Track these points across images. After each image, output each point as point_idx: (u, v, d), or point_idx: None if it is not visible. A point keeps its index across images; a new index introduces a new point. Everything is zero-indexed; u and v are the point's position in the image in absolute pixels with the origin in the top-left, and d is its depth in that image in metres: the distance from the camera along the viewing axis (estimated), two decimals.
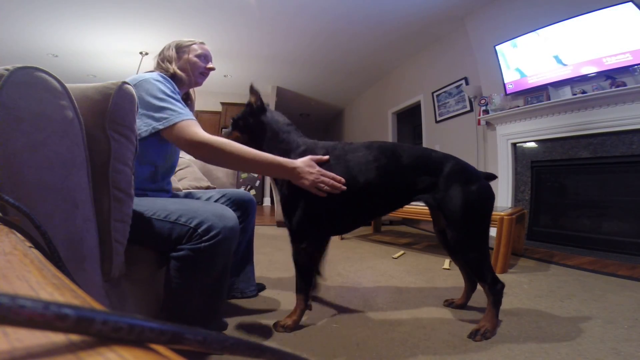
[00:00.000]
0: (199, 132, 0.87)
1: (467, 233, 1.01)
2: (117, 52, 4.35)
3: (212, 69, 1.14)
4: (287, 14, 3.40)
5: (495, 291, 1.01)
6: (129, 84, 0.68)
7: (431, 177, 1.03)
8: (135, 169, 0.88)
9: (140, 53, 4.33)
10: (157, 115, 0.88)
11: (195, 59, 1.09)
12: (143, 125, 0.88)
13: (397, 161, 1.04)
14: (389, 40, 3.97)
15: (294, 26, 3.67)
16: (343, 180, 0.97)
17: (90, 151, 0.60)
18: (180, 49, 1.09)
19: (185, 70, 1.08)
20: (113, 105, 0.64)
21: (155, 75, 0.93)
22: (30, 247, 0.28)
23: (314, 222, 1.03)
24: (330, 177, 0.96)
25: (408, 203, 1.09)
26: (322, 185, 0.94)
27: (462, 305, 1.23)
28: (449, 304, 1.25)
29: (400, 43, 4.04)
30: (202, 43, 1.14)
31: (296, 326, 1.03)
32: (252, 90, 1.13)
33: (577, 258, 2.10)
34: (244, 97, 6.58)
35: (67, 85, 0.57)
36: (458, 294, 1.29)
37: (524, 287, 1.49)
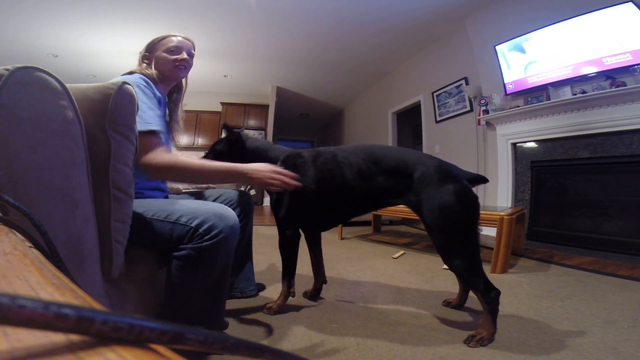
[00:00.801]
0: (152, 157, 0.86)
1: (447, 239, 0.97)
2: (117, 52, 4.35)
3: (183, 59, 1.08)
4: (287, 14, 3.40)
5: (489, 299, 0.95)
6: (129, 84, 0.68)
7: (404, 180, 1.02)
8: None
9: (140, 53, 4.33)
10: None
11: (164, 55, 1.06)
12: None
13: (370, 166, 1.06)
14: (389, 40, 3.97)
15: (294, 26, 3.67)
16: (297, 176, 1.02)
17: (90, 151, 0.60)
18: (152, 47, 1.08)
19: (156, 68, 1.06)
20: (113, 105, 0.64)
21: (136, 78, 0.93)
22: (30, 247, 0.27)
23: (296, 216, 1.15)
24: (283, 174, 1.00)
25: (385, 206, 1.12)
26: (273, 181, 0.98)
27: (458, 305, 1.22)
28: (446, 303, 1.25)
29: (400, 43, 4.04)
30: (174, 35, 1.10)
31: (279, 309, 1.16)
32: (228, 130, 1.21)
33: (577, 258, 2.10)
34: (244, 97, 6.57)
35: (67, 85, 0.57)
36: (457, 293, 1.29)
37: (524, 287, 1.49)
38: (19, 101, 0.50)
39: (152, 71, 1.04)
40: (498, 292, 0.96)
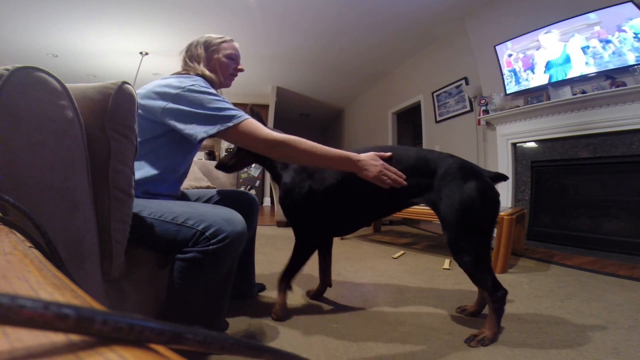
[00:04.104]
0: (272, 132, 0.91)
1: (461, 234, 0.96)
2: (117, 52, 4.35)
3: (242, 70, 1.11)
4: (287, 14, 3.40)
5: (496, 298, 0.95)
6: (129, 83, 0.67)
7: (425, 179, 1.02)
8: (157, 174, 0.90)
9: (140, 53, 4.33)
10: (218, 114, 0.87)
11: (225, 60, 1.06)
12: (195, 128, 0.86)
13: (393, 164, 1.03)
14: (389, 40, 3.97)
15: (294, 26, 3.67)
16: (404, 175, 0.99)
17: (90, 151, 0.60)
18: (209, 47, 1.05)
19: (214, 71, 1.04)
20: (113, 105, 0.64)
21: (200, 80, 0.92)
22: (30, 247, 0.27)
23: (318, 222, 1.10)
24: (393, 171, 0.98)
25: (406, 207, 1.11)
26: (385, 177, 0.96)
27: (475, 312, 1.16)
28: (461, 310, 1.19)
29: (400, 43, 4.04)
30: (231, 40, 1.09)
31: (283, 309, 1.12)
32: (254, 113, 1.08)
33: (577, 258, 2.10)
34: (244, 97, 6.58)
35: (67, 85, 0.57)
36: (458, 294, 1.29)
37: (524, 287, 1.49)
38: (19, 101, 0.50)
39: (208, 74, 1.01)
40: (505, 292, 0.97)
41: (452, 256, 1.04)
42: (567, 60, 2.50)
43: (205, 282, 0.81)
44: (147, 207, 0.82)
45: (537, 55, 2.68)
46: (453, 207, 0.96)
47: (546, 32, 2.66)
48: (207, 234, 0.78)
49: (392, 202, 1.09)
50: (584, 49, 2.37)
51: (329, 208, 1.08)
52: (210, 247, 0.78)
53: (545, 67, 2.69)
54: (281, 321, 1.09)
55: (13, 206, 0.31)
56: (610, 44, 2.23)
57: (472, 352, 0.90)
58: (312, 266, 1.33)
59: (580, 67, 2.41)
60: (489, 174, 1.04)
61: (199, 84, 0.90)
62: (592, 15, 2.29)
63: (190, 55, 1.04)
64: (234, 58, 1.08)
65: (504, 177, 1.08)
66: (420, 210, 2.14)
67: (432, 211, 1.05)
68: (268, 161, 1.19)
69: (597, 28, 2.29)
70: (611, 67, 2.22)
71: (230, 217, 0.83)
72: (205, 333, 0.13)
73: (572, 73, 2.45)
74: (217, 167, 1.20)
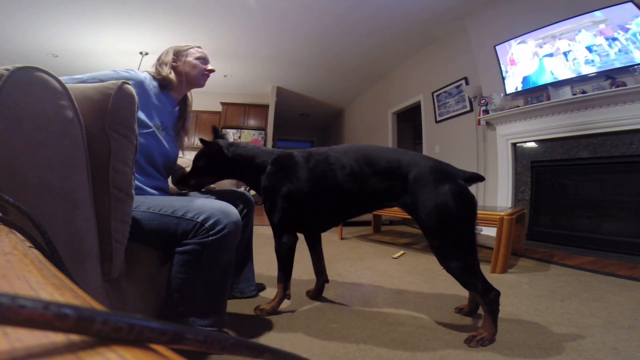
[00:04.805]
0: None
1: (443, 240, 0.95)
2: (117, 52, 4.35)
3: (212, 70, 1.19)
4: (286, 14, 3.40)
5: (489, 300, 0.94)
6: (129, 83, 0.68)
7: (398, 182, 1.01)
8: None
9: (140, 53, 4.34)
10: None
11: (196, 61, 1.14)
12: None
13: (363, 167, 1.04)
14: (389, 40, 3.97)
15: (294, 26, 3.67)
16: None
17: (90, 151, 0.60)
18: (179, 53, 1.14)
19: (181, 74, 1.12)
20: (113, 105, 0.64)
21: (145, 75, 1.00)
22: (30, 247, 0.27)
23: (290, 219, 1.13)
24: None
25: (381, 208, 1.12)
26: None
27: (470, 311, 1.16)
28: (459, 310, 1.19)
29: (400, 43, 4.04)
30: (198, 47, 1.19)
31: (273, 311, 1.14)
32: (205, 143, 1.12)
33: (577, 258, 2.10)
34: (244, 97, 6.56)
35: (67, 85, 0.57)
36: (457, 294, 1.28)
37: (524, 287, 1.49)
38: (19, 101, 0.50)
39: (173, 77, 1.10)
40: (497, 293, 0.96)
41: (438, 262, 1.02)
42: (567, 59, 2.49)
43: (205, 274, 0.83)
44: (144, 203, 0.84)
45: (540, 52, 2.68)
46: (430, 215, 0.95)
47: (520, 43, 2.66)
48: (206, 225, 0.80)
49: (367, 204, 1.11)
50: (589, 48, 2.36)
51: (307, 207, 1.11)
52: (209, 238, 0.80)
53: (522, 83, 2.71)
54: (262, 316, 1.13)
55: (13, 206, 0.31)
56: (617, 42, 2.22)
57: (472, 352, 0.90)
58: (307, 268, 1.33)
59: (580, 66, 2.40)
60: (464, 175, 1.02)
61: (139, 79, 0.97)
62: (597, 13, 2.28)
63: (161, 62, 1.13)
64: (202, 59, 1.17)
65: (480, 178, 1.06)
66: None
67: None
68: (239, 173, 1.20)
69: (602, 26, 2.28)
70: (617, 65, 2.21)
71: (226, 209, 0.86)
72: (206, 333, 0.13)
73: (572, 72, 2.45)
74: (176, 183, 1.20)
